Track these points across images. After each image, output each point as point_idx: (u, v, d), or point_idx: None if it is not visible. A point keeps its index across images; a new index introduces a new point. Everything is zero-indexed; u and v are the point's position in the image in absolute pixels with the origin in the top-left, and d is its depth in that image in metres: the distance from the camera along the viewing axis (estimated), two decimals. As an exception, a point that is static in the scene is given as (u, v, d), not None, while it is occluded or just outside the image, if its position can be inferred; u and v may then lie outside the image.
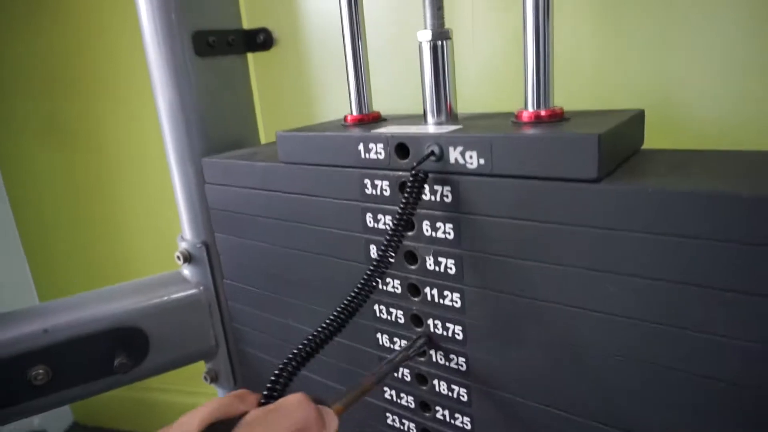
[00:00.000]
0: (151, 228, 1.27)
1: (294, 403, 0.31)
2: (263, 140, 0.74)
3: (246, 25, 0.70)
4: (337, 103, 0.75)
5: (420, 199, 0.40)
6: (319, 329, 0.35)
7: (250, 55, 0.71)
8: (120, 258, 1.37)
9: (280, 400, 0.32)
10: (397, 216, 0.39)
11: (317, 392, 0.35)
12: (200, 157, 0.63)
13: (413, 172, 0.40)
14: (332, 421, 0.32)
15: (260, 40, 0.70)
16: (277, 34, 0.72)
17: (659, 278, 0.32)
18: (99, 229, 1.37)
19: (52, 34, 1.21)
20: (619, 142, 0.37)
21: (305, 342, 0.34)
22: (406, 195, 0.39)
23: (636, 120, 0.41)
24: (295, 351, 0.34)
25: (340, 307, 0.37)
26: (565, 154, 0.34)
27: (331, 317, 0.36)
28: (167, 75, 0.63)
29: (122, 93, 1.16)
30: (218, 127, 0.67)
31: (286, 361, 0.33)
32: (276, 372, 0.33)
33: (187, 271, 0.69)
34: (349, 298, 0.37)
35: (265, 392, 0.32)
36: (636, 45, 0.54)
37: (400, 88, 0.69)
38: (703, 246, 0.30)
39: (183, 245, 0.68)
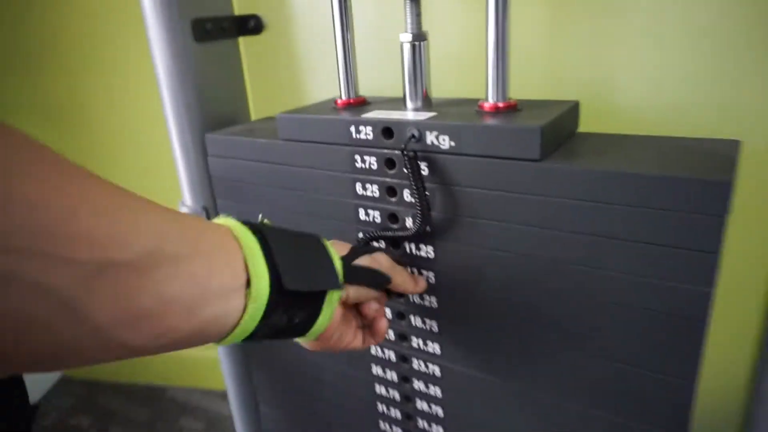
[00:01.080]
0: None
1: (403, 269, 0.52)
2: (253, 117, 0.82)
3: (236, 11, 0.77)
4: (320, 83, 0.83)
5: (419, 170, 0.49)
6: (380, 232, 0.55)
7: (241, 40, 0.78)
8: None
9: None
10: (415, 191, 0.49)
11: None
12: (198, 132, 0.71)
13: (405, 153, 0.49)
14: (422, 283, 0.54)
15: (251, 26, 0.77)
16: (267, 20, 0.79)
17: (583, 232, 0.44)
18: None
19: (40, 8, 1.23)
20: (558, 129, 0.48)
21: (375, 231, 0.55)
22: (408, 172, 0.49)
23: (572, 110, 0.52)
24: (368, 235, 0.55)
25: (402, 232, 0.53)
26: (515, 141, 0.45)
27: (392, 233, 0.54)
28: (169, 60, 0.70)
29: (109, 68, 1.20)
30: (214, 106, 0.75)
31: (366, 236, 0.55)
32: (363, 238, 0.55)
33: (187, 233, 0.77)
34: (403, 233, 0.53)
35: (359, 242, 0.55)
36: (579, 42, 0.65)
37: (382, 71, 0.78)
38: (617, 210, 0.42)
39: (184, 210, 0.76)
